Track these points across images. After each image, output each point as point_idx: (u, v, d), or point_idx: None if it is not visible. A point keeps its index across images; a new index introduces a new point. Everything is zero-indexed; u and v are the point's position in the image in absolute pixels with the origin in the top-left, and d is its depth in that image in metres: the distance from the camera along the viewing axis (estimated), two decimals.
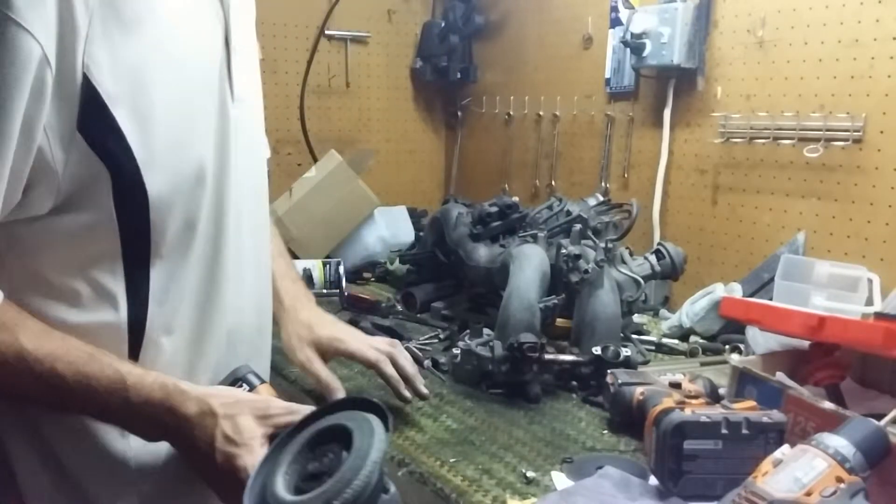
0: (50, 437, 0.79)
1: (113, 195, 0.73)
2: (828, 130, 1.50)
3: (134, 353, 0.80)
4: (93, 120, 0.70)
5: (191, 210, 0.80)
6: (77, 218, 0.74)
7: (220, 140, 0.83)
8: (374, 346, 1.14)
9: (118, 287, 0.77)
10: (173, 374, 0.79)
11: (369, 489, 0.65)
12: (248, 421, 0.76)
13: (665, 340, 1.53)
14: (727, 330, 1.52)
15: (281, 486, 0.69)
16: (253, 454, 0.74)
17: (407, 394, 1.12)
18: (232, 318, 0.88)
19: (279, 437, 0.75)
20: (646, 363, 1.39)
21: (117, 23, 0.71)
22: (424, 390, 1.14)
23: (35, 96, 0.67)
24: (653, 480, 0.93)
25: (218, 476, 0.76)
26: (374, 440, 0.67)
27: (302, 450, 0.72)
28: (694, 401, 0.95)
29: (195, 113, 0.79)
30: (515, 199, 1.61)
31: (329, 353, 1.13)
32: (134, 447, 0.81)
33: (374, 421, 0.70)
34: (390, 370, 1.11)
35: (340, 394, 1.10)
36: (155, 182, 0.75)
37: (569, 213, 1.56)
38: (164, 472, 0.83)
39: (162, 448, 0.81)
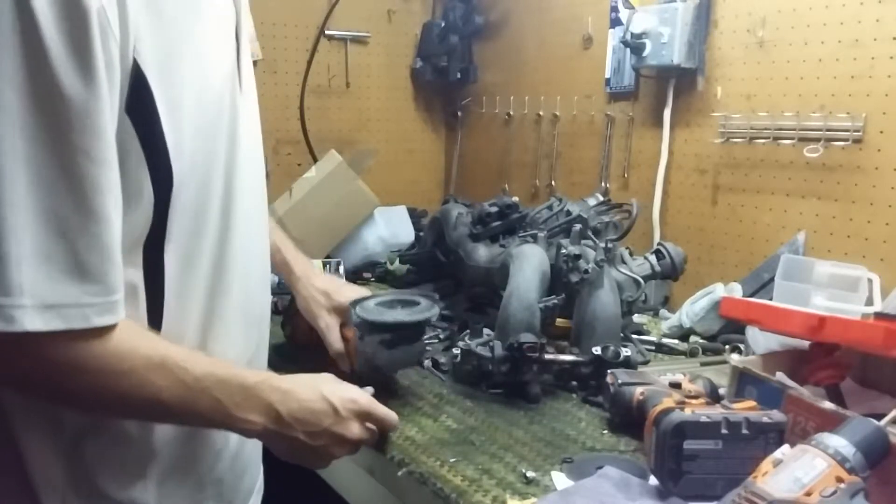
0: (70, 428, 0.79)
1: (151, 182, 0.74)
2: (828, 130, 1.50)
3: None
4: (137, 103, 0.70)
5: (204, 197, 0.81)
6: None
7: (231, 130, 0.84)
8: None
9: (138, 277, 0.78)
10: None
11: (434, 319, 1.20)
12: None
13: (665, 340, 1.53)
14: (727, 330, 1.52)
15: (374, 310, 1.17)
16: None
17: None
18: (241, 304, 0.90)
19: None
20: (646, 363, 1.39)
21: (154, 9, 0.71)
22: None
23: (108, 65, 0.66)
24: (653, 480, 0.93)
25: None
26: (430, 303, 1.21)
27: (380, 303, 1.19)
28: (694, 401, 0.95)
29: (215, 104, 0.81)
30: (515, 199, 1.61)
31: (348, 318, 1.21)
32: (154, 440, 0.83)
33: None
34: None
35: (345, 365, 1.23)
36: (180, 170, 0.75)
37: (569, 213, 1.55)
38: (177, 464, 0.85)
39: (175, 439, 0.84)
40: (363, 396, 0.92)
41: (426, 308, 1.20)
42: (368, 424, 0.92)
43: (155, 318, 0.80)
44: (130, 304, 0.75)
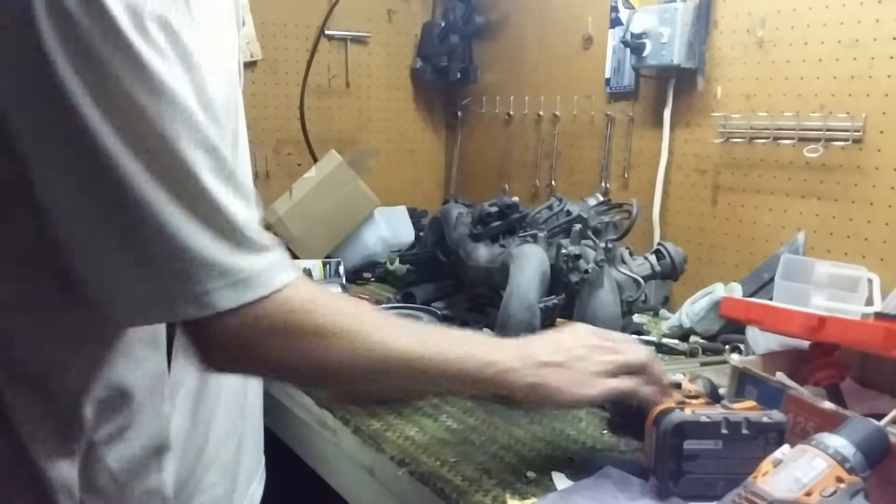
0: (82, 433, 0.76)
1: None
2: (828, 130, 1.50)
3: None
4: None
5: None
6: None
7: (234, 128, 0.85)
8: None
9: None
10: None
11: None
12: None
13: (665, 340, 1.53)
14: (727, 330, 1.52)
15: None
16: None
17: None
18: None
19: None
20: None
21: (188, 12, 0.71)
22: None
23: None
24: (653, 480, 0.93)
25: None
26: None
27: None
28: (694, 401, 0.95)
29: (231, 110, 0.82)
30: (515, 199, 1.61)
31: None
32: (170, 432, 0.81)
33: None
34: None
35: None
36: None
37: (569, 213, 1.55)
38: (186, 453, 0.84)
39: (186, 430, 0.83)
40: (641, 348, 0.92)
41: (428, 322, 1.20)
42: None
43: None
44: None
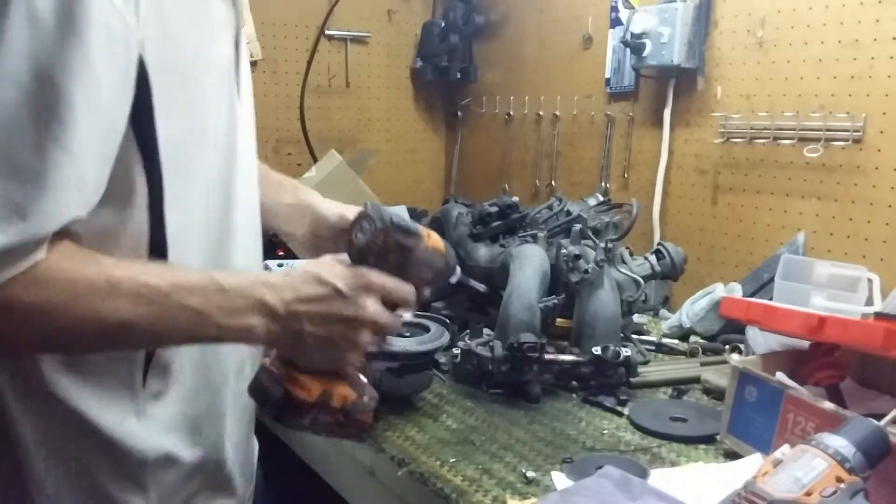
0: (64, 433, 0.78)
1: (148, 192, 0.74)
2: (828, 130, 1.50)
3: None
4: (137, 100, 0.70)
5: (201, 206, 0.81)
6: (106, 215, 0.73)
7: (229, 137, 0.84)
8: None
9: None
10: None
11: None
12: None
13: (665, 340, 1.53)
14: (727, 330, 1.52)
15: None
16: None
17: None
18: None
19: None
20: (646, 363, 1.39)
21: (161, 14, 0.71)
22: None
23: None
24: (652, 480, 0.93)
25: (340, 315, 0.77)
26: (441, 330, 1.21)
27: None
28: None
29: (213, 111, 0.80)
30: (515, 199, 1.61)
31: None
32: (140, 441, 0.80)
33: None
34: None
35: None
36: (171, 185, 0.75)
37: (569, 213, 1.56)
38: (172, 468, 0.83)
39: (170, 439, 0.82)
40: (368, 270, 0.80)
41: (435, 336, 1.18)
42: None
43: None
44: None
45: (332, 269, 0.79)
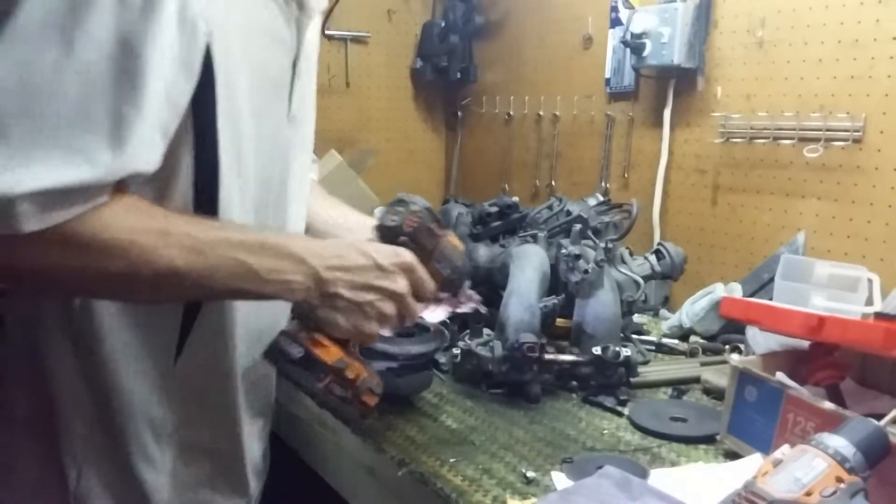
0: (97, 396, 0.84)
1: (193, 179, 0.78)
2: (828, 130, 1.50)
3: None
4: (199, 88, 0.75)
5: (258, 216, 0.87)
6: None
7: (282, 153, 0.89)
8: None
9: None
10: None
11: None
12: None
13: (665, 340, 1.53)
14: (727, 330, 1.52)
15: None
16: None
17: None
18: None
19: None
20: (646, 363, 1.39)
21: (224, 13, 0.75)
22: None
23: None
24: (652, 480, 0.93)
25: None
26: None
27: None
28: None
29: (266, 125, 0.85)
30: (515, 199, 1.61)
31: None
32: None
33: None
34: None
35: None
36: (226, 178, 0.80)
37: (569, 213, 1.56)
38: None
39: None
40: (406, 252, 0.87)
41: (434, 337, 1.20)
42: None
43: None
44: None
45: (376, 245, 0.86)
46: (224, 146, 0.79)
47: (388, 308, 0.84)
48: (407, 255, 0.86)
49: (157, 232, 0.72)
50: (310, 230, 1.05)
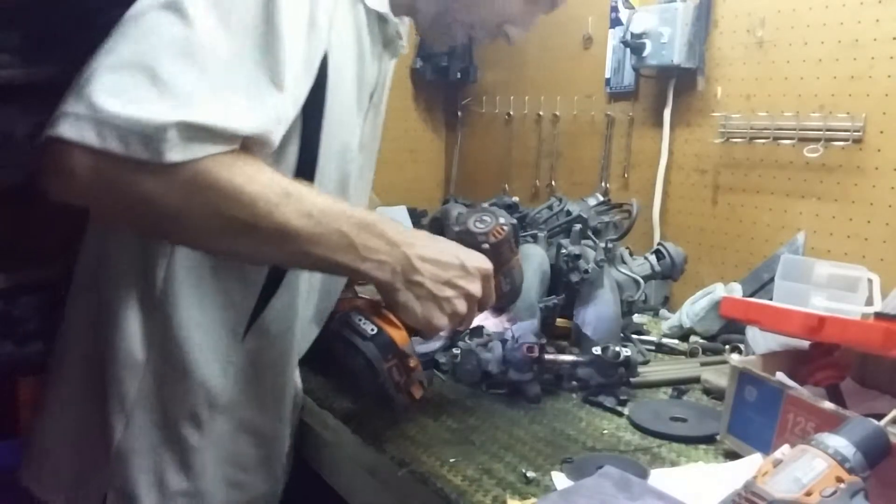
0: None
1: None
2: (828, 130, 1.50)
3: None
4: (312, 92, 0.82)
5: None
6: None
7: (342, 179, 0.95)
8: None
9: None
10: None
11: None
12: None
13: (665, 340, 1.53)
14: (727, 330, 1.52)
15: None
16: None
17: None
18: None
19: None
20: (646, 363, 1.39)
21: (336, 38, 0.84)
22: None
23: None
24: (653, 480, 0.93)
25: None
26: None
27: None
28: None
29: (346, 148, 0.93)
30: (515, 199, 1.61)
31: None
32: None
33: None
34: None
35: None
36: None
37: (569, 213, 1.56)
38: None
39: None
40: (488, 261, 0.92)
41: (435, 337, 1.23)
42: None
43: None
44: None
45: (464, 248, 0.91)
46: (323, 152, 0.85)
47: (462, 307, 0.88)
48: (489, 264, 0.91)
49: (281, 190, 0.76)
50: None
